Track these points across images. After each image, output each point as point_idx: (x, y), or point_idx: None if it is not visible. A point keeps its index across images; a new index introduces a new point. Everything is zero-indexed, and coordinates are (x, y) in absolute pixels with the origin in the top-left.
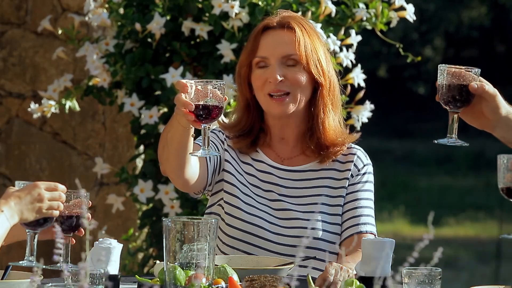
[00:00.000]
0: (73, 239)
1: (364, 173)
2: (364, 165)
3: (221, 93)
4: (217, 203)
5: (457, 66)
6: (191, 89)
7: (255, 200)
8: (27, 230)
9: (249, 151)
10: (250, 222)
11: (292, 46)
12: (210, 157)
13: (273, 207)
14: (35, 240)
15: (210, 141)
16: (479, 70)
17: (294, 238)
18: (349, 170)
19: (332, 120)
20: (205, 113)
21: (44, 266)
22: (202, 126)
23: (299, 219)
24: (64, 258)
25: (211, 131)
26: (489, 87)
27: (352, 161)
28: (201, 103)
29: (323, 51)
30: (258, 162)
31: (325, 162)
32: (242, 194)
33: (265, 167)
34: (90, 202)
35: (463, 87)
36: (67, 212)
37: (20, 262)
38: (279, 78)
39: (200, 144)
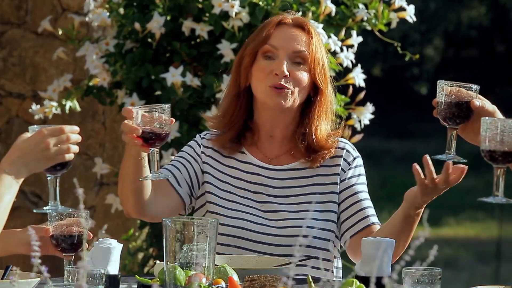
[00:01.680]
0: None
1: (355, 166)
2: (354, 158)
3: (167, 117)
4: (204, 216)
5: (456, 83)
6: (137, 115)
7: (241, 203)
8: (47, 175)
9: (233, 152)
10: (238, 226)
11: (304, 45)
12: (179, 181)
13: (262, 209)
14: (57, 184)
15: (181, 162)
16: (478, 86)
17: (286, 238)
18: (339, 165)
19: (324, 128)
20: (152, 137)
21: (70, 210)
22: (150, 150)
23: (290, 219)
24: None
25: (189, 144)
26: (488, 104)
27: (342, 156)
28: (148, 127)
29: (327, 59)
30: (244, 163)
31: (314, 165)
32: (224, 200)
33: (252, 168)
34: (90, 222)
35: (463, 104)
36: (66, 231)
37: (45, 208)
38: (286, 73)
39: (168, 169)
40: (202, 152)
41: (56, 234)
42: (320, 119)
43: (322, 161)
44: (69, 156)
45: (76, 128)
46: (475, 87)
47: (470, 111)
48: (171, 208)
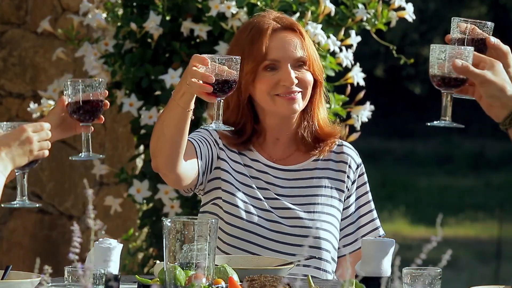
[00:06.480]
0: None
1: (361, 174)
2: (358, 166)
3: (235, 70)
4: (212, 202)
5: (471, 20)
6: (211, 63)
7: (253, 197)
8: (16, 170)
9: (241, 149)
10: (249, 220)
11: (300, 48)
12: (201, 154)
13: (272, 206)
14: (25, 179)
15: (203, 138)
16: (493, 24)
17: (296, 237)
18: (345, 172)
19: (323, 114)
20: (221, 86)
21: (37, 205)
22: (217, 100)
23: (300, 218)
24: (86, 149)
25: (204, 128)
26: (502, 44)
27: (347, 163)
28: (219, 76)
29: (315, 49)
30: (253, 161)
31: (321, 154)
32: (240, 192)
33: (261, 167)
34: (107, 92)
35: (478, 41)
36: (84, 100)
37: (13, 202)
38: (295, 81)
39: (192, 140)
40: (219, 138)
41: (72, 103)
42: (320, 106)
43: (328, 148)
44: (46, 153)
45: (50, 126)
46: (490, 24)
47: (485, 49)
48: (191, 177)
